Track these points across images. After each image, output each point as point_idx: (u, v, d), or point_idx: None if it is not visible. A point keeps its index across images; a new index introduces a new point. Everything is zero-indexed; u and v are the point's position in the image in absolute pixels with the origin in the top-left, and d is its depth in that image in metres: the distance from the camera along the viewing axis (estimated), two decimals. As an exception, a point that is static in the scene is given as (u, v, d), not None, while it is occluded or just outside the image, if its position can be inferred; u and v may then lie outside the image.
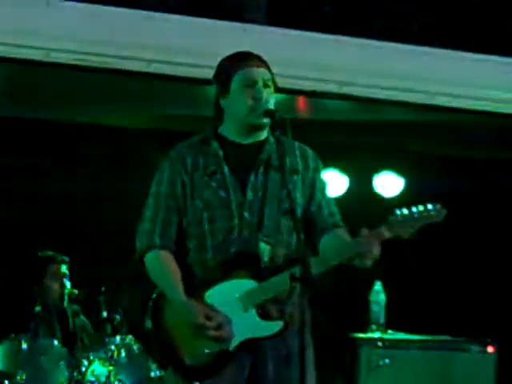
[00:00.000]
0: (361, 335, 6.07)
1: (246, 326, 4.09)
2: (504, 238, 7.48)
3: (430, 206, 4.01)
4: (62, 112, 6.58)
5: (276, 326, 4.07)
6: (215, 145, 4.18)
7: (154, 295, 4.22)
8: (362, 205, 6.49)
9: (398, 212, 3.97)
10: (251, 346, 4.12)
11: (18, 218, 6.60)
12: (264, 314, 4.07)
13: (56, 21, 5.75)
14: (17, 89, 6.20)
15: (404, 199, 6.97)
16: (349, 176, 6.98)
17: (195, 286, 4.12)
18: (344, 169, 6.92)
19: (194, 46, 5.63)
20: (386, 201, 7.14)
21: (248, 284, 4.09)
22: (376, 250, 3.96)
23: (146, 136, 6.48)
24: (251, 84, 4.14)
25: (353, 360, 5.95)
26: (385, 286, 6.25)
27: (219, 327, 4.03)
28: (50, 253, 6.35)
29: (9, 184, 6.48)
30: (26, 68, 5.72)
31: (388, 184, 7.22)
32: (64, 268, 6.30)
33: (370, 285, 6.26)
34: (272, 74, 4.23)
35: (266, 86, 4.16)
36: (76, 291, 6.17)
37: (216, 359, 4.06)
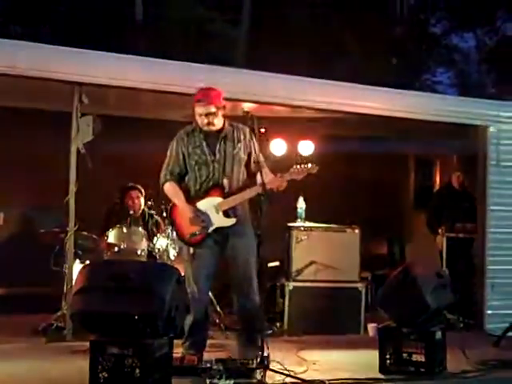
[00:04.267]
0: (292, 224, 6.25)
1: (217, 220, 4.41)
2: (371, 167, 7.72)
3: (309, 165, 4.44)
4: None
5: (232, 221, 4.42)
6: (198, 131, 4.52)
7: (170, 205, 4.62)
8: (291, 158, 6.70)
9: (294, 167, 4.41)
10: (221, 231, 4.43)
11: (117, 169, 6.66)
12: (226, 215, 4.43)
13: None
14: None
15: (314, 156, 7.11)
16: (286, 143, 7.23)
17: (191, 200, 4.44)
18: (284, 139, 7.19)
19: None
20: (304, 156, 7.20)
21: (218, 200, 4.43)
22: (284, 184, 4.41)
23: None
24: (199, 115, 4.49)
25: (288, 236, 6.12)
26: (304, 199, 6.44)
27: (203, 220, 4.41)
28: (130, 184, 6.40)
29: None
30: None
31: (306, 147, 7.46)
32: (137, 192, 6.35)
33: (297, 198, 6.45)
34: (215, 104, 4.44)
35: (207, 117, 4.45)
36: (150, 203, 6.32)
37: (202, 236, 4.43)
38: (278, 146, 7.34)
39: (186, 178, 4.57)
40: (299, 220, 6.39)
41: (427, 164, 8.42)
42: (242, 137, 4.58)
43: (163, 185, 4.59)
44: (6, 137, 6.55)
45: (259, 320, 4.53)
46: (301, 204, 6.44)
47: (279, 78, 6.07)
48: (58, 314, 5.54)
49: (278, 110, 6.29)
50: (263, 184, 4.40)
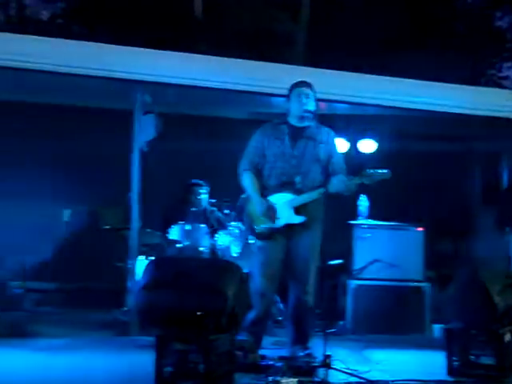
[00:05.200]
0: (354, 222, 6.25)
1: (287, 216, 4.44)
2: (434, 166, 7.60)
3: (384, 171, 4.39)
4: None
5: (302, 218, 4.44)
6: (283, 125, 4.58)
7: (243, 196, 4.72)
8: (352, 156, 6.63)
9: (367, 170, 4.37)
10: (289, 227, 4.47)
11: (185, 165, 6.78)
12: (296, 212, 4.45)
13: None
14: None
15: (376, 154, 7.13)
16: (348, 141, 7.08)
17: (264, 193, 4.49)
18: (346, 138, 7.04)
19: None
20: (365, 155, 7.19)
21: (290, 196, 4.46)
22: (355, 187, 4.45)
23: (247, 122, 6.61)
24: (298, 95, 4.71)
25: (350, 234, 6.17)
26: (367, 197, 6.36)
27: (273, 214, 4.47)
28: (194, 180, 6.44)
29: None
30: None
31: (367, 146, 7.29)
32: (202, 189, 6.41)
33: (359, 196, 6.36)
34: (313, 91, 4.63)
35: (307, 97, 4.66)
36: (213, 200, 6.37)
37: (271, 231, 4.49)
38: (339, 145, 7.20)
39: (263, 171, 4.61)
40: (361, 218, 6.35)
41: (494, 161, 8.20)
42: (325, 139, 4.61)
43: (240, 174, 4.65)
44: (72, 135, 6.79)
45: (309, 321, 4.57)
46: (363, 201, 6.40)
47: (339, 74, 6.09)
48: (124, 309, 5.66)
49: (338, 108, 6.30)
50: (326, 186, 4.46)
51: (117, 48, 5.75)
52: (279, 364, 4.12)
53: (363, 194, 6.33)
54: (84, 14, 14.91)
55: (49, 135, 6.75)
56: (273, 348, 4.77)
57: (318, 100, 4.73)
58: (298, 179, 4.48)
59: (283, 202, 4.49)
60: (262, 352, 4.49)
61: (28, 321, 5.64)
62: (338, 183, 4.44)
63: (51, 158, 6.79)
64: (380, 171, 4.39)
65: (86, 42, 5.90)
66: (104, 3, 14.62)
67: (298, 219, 4.49)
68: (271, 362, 4.20)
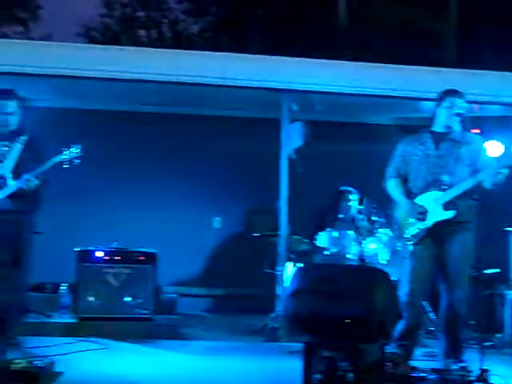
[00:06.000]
0: (510, 229, 5.96)
1: (436, 213, 4.38)
2: None
3: None
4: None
5: (452, 213, 4.36)
6: (427, 133, 4.59)
7: (392, 203, 4.66)
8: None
9: None
10: (439, 229, 4.39)
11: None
12: (445, 208, 4.38)
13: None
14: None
15: None
16: (504, 144, 6.64)
17: (411, 197, 4.51)
18: (501, 140, 6.49)
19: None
20: None
21: (438, 194, 4.41)
22: (506, 170, 4.28)
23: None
24: (450, 108, 4.51)
25: (507, 242, 5.90)
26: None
27: (421, 214, 4.44)
28: (344, 187, 6.36)
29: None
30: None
31: None
32: (352, 195, 6.31)
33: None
34: (464, 99, 4.54)
35: (458, 110, 4.49)
36: (362, 207, 6.16)
37: (422, 233, 4.43)
38: (494, 148, 6.93)
39: (408, 176, 4.61)
40: (520, 224, 6.00)
41: None
42: (469, 141, 4.55)
43: (387, 182, 4.70)
44: (222, 144, 6.99)
45: (462, 331, 4.44)
46: (519, 208, 6.03)
47: (491, 75, 5.91)
48: (273, 314, 5.74)
49: (492, 110, 6.11)
50: (475, 175, 4.36)
51: (263, 58, 5.92)
52: (432, 376, 4.03)
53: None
54: (230, 26, 15.42)
55: (200, 145, 7.02)
56: (424, 359, 4.65)
57: (470, 102, 4.64)
58: (445, 177, 4.45)
59: (432, 201, 4.45)
60: (413, 363, 4.38)
61: (181, 324, 5.84)
62: (485, 172, 4.37)
63: (202, 167, 7.03)
64: None
65: (233, 54, 6.06)
66: (248, 15, 15.04)
67: (448, 214, 4.42)
68: (423, 374, 4.10)
